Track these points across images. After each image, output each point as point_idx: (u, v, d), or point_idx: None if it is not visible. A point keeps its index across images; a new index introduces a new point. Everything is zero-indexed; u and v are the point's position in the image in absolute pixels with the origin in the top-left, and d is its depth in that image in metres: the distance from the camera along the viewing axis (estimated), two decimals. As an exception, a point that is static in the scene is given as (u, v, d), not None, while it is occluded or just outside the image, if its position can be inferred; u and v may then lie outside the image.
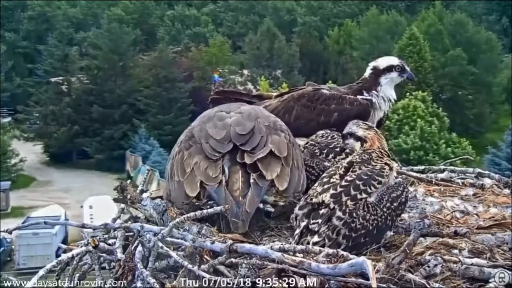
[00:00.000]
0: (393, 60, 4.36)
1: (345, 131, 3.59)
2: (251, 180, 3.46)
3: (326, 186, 3.21)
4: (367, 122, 3.64)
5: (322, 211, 3.14)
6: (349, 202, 3.13)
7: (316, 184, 3.32)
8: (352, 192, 3.15)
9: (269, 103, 4.44)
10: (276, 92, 4.97)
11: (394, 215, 3.20)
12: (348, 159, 3.39)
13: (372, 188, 3.18)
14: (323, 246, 3.03)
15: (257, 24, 59.29)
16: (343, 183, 3.20)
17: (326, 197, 3.16)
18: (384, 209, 3.16)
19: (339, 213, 3.11)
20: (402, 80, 4.38)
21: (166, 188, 3.79)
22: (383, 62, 4.37)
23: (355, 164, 3.30)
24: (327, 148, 3.95)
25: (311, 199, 3.20)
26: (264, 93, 4.85)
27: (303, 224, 3.15)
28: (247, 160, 3.52)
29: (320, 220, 3.12)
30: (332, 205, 3.13)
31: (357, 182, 3.18)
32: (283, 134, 3.75)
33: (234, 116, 3.78)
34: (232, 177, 3.51)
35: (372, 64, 4.40)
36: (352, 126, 3.55)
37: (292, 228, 3.31)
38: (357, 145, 3.49)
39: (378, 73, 4.34)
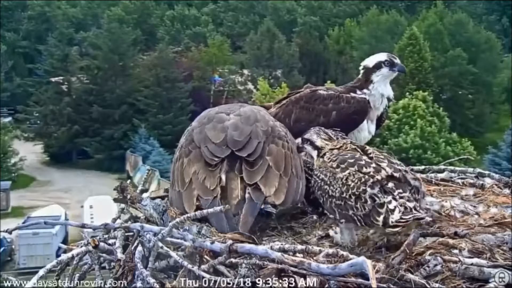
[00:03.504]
0: (381, 56, 4.32)
1: (305, 136, 3.68)
2: (246, 195, 3.42)
3: (374, 164, 3.27)
4: (330, 132, 3.67)
5: (399, 182, 3.22)
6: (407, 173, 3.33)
7: (352, 168, 3.27)
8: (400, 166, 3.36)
9: (269, 111, 4.45)
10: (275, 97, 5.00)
11: None
12: (351, 145, 3.49)
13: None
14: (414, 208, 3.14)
15: (257, 24, 59.27)
16: (384, 159, 3.35)
17: (390, 171, 3.25)
18: None
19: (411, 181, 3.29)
20: (394, 74, 4.32)
21: (170, 193, 3.78)
22: (371, 60, 4.35)
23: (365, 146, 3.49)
24: None
25: (373, 176, 3.21)
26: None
27: (389, 197, 3.16)
28: (246, 178, 3.46)
29: (402, 190, 3.20)
30: (398, 175, 3.25)
31: (390, 158, 3.39)
32: (281, 141, 3.68)
33: (232, 119, 3.73)
34: (231, 183, 3.47)
35: (362, 64, 4.39)
36: (313, 134, 3.63)
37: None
38: (314, 153, 3.59)
39: (369, 71, 4.32)
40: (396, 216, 3.11)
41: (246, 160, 3.53)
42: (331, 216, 3.35)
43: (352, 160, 3.31)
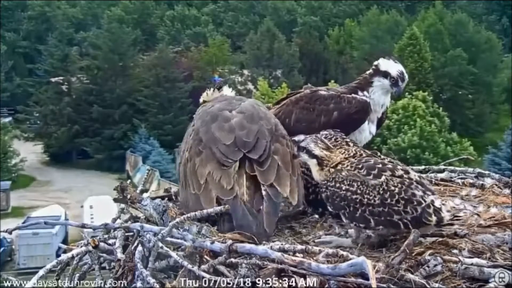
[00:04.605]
0: (393, 69, 4.20)
1: (301, 144, 3.52)
2: (263, 192, 3.38)
3: (400, 167, 3.27)
4: (327, 140, 3.55)
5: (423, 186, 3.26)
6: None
7: (385, 173, 3.20)
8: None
9: None
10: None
11: None
12: (364, 152, 3.44)
13: None
14: None
15: (257, 24, 59.28)
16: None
17: (416, 174, 3.30)
18: None
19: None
20: (390, 91, 4.26)
21: (181, 196, 3.74)
22: (385, 64, 4.25)
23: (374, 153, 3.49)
24: None
25: (412, 179, 3.22)
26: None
27: (431, 197, 3.19)
28: (260, 178, 3.42)
29: (431, 192, 3.24)
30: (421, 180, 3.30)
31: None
32: (284, 140, 3.69)
33: (236, 117, 3.69)
34: (237, 180, 3.44)
35: (377, 61, 4.29)
36: (310, 143, 3.48)
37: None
38: (312, 162, 3.45)
39: (375, 72, 4.26)
40: (446, 214, 3.16)
41: (255, 159, 3.51)
42: (361, 225, 3.19)
43: (380, 165, 3.23)
